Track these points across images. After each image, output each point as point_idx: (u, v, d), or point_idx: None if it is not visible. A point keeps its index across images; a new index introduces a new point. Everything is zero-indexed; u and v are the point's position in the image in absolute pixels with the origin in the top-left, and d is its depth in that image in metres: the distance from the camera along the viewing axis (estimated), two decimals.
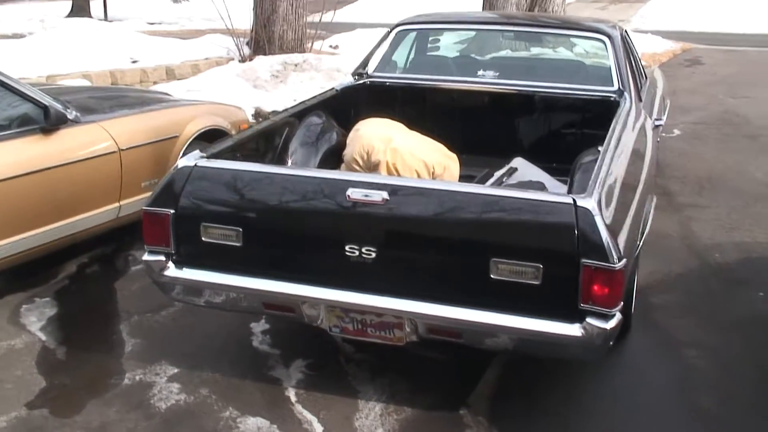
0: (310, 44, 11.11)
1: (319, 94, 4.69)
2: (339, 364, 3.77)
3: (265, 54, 10.49)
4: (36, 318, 4.17)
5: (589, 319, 2.86)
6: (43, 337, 4.00)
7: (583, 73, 4.94)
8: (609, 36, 4.79)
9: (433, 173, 4.09)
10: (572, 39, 4.95)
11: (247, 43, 11.10)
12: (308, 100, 4.56)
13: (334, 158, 4.41)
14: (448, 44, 5.57)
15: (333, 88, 4.83)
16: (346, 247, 3.06)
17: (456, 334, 3.10)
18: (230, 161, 3.39)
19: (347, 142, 4.23)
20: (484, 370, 3.68)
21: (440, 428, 3.29)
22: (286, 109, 4.43)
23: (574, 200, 2.87)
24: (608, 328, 2.83)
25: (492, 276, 2.93)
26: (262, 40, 10.72)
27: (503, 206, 2.97)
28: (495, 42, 5.45)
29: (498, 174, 4.44)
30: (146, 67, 9.93)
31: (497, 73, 4.91)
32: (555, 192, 3.09)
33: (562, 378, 3.68)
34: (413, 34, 5.17)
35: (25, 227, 4.12)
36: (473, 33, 5.35)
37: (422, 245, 3.05)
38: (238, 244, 3.22)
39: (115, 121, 4.70)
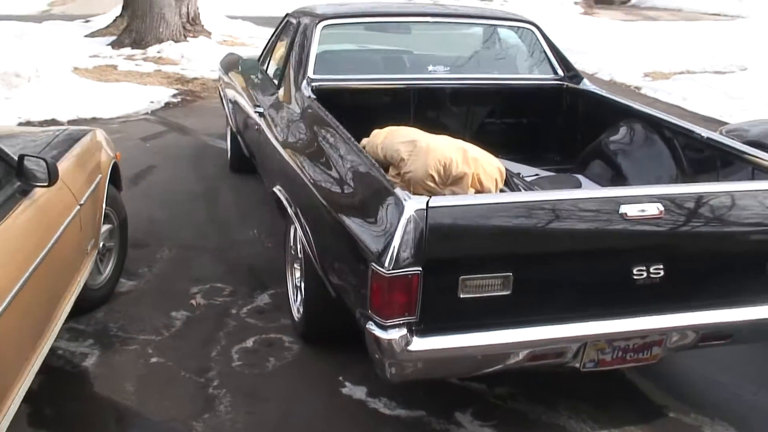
0: None
1: (320, 105, 3.94)
2: (498, 407, 3.35)
3: None
4: None
5: None
6: None
7: (521, 62, 4.93)
8: (536, 24, 4.86)
9: (505, 178, 3.79)
10: (499, 29, 4.89)
11: None
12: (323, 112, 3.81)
13: None
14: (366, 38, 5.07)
15: (310, 97, 4.10)
16: (634, 270, 2.74)
17: (727, 336, 3.00)
18: (455, 196, 2.77)
19: (403, 157, 3.66)
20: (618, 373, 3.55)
21: None
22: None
23: None
24: None
25: None
26: None
27: (762, 199, 2.93)
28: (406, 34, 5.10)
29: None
30: None
31: (447, 68, 4.66)
32: None
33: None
34: (339, 30, 4.61)
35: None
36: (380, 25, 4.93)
37: (705, 253, 2.87)
38: (506, 293, 2.65)
39: (63, 168, 3.40)
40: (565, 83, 4.75)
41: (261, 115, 4.59)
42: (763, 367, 3.68)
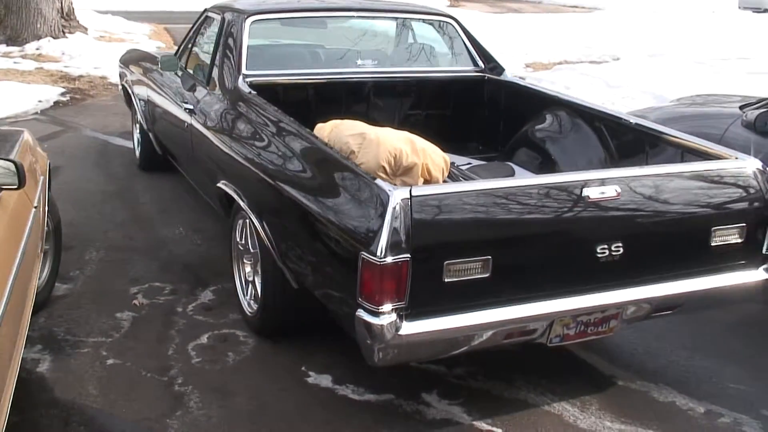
0: None
1: (266, 100, 3.96)
2: (461, 386, 3.50)
3: None
4: None
5: None
6: None
7: (444, 55, 5.07)
8: (455, 18, 5.04)
9: (449, 168, 3.94)
10: (419, 23, 5.02)
11: None
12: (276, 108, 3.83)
13: None
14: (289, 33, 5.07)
15: (250, 92, 4.12)
16: (597, 249, 2.96)
17: (675, 306, 3.26)
18: (436, 185, 2.91)
19: (353, 149, 3.71)
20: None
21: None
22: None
23: (749, 165, 3.29)
24: None
25: (712, 244, 3.18)
26: None
27: (710, 179, 3.20)
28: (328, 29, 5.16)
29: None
30: None
31: (375, 62, 4.77)
32: (730, 159, 3.40)
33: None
34: (266, 26, 4.62)
35: None
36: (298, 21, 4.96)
37: (657, 230, 3.11)
38: (485, 276, 2.80)
39: None
40: (486, 75, 4.95)
41: (191, 112, 4.55)
42: (692, 334, 3.99)
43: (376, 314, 2.68)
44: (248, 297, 3.90)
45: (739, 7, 26.68)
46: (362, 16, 4.92)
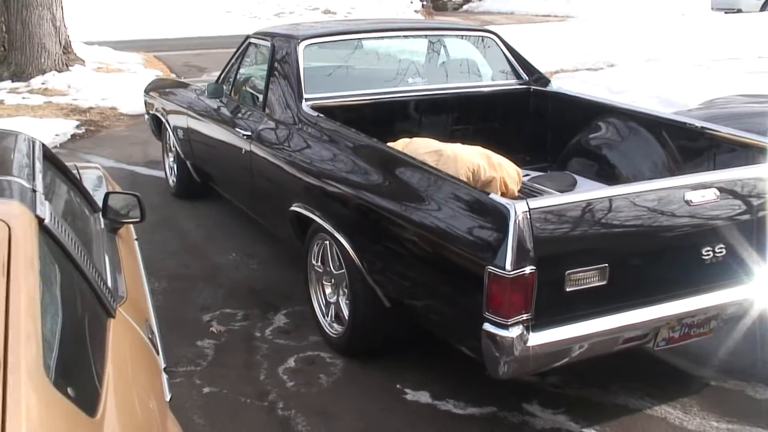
0: None
1: (341, 123, 4.02)
2: (559, 395, 3.55)
3: None
4: None
5: None
6: None
7: (489, 70, 5.15)
8: (496, 34, 5.13)
9: (520, 179, 4.02)
10: (461, 40, 5.10)
11: None
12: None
13: None
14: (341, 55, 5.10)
15: (318, 115, 4.17)
16: (703, 251, 3.04)
17: None
18: (551, 196, 2.98)
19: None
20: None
21: None
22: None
23: None
24: None
25: None
26: None
27: None
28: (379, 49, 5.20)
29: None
30: None
31: (425, 80, 4.84)
32: None
33: None
34: (317, 49, 4.68)
35: None
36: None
37: (753, 229, 3.19)
38: (603, 283, 2.87)
39: None
40: (531, 86, 5.03)
41: (249, 138, 4.58)
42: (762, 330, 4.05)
43: (505, 327, 2.73)
44: (329, 318, 3.93)
45: (712, 9, 27.10)
46: (408, 35, 4.99)
